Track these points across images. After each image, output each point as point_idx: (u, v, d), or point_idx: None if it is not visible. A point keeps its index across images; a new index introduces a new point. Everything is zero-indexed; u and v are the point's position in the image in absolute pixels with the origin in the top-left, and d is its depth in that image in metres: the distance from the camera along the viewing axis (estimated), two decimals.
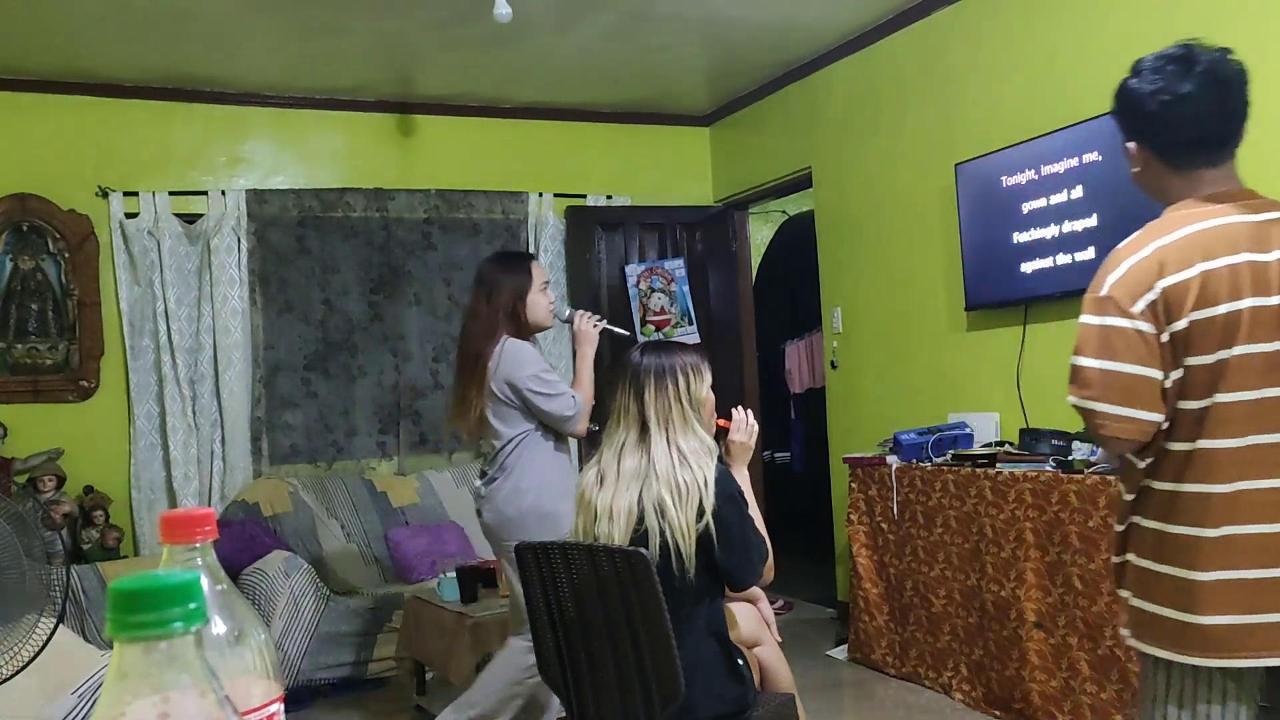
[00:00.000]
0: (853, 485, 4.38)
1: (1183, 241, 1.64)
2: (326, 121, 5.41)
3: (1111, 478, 3.19)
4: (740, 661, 2.38)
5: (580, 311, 3.33)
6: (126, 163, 5.01)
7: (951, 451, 4.00)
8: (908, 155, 4.67)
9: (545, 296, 3.25)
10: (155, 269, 4.98)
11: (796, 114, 5.43)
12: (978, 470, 3.73)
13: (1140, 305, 1.62)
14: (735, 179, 6.00)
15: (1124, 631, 1.73)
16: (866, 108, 4.92)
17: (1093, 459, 3.44)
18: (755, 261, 6.70)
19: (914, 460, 4.11)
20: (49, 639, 2.34)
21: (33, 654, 2.30)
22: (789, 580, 5.70)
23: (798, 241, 6.12)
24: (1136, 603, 1.69)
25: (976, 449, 3.96)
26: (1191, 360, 1.61)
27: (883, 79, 4.79)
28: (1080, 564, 3.27)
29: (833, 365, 5.26)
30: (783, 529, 6.35)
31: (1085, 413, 1.68)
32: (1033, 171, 3.93)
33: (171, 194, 5.05)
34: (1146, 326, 1.62)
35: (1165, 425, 1.64)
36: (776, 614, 3.22)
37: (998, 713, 3.63)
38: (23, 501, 2.51)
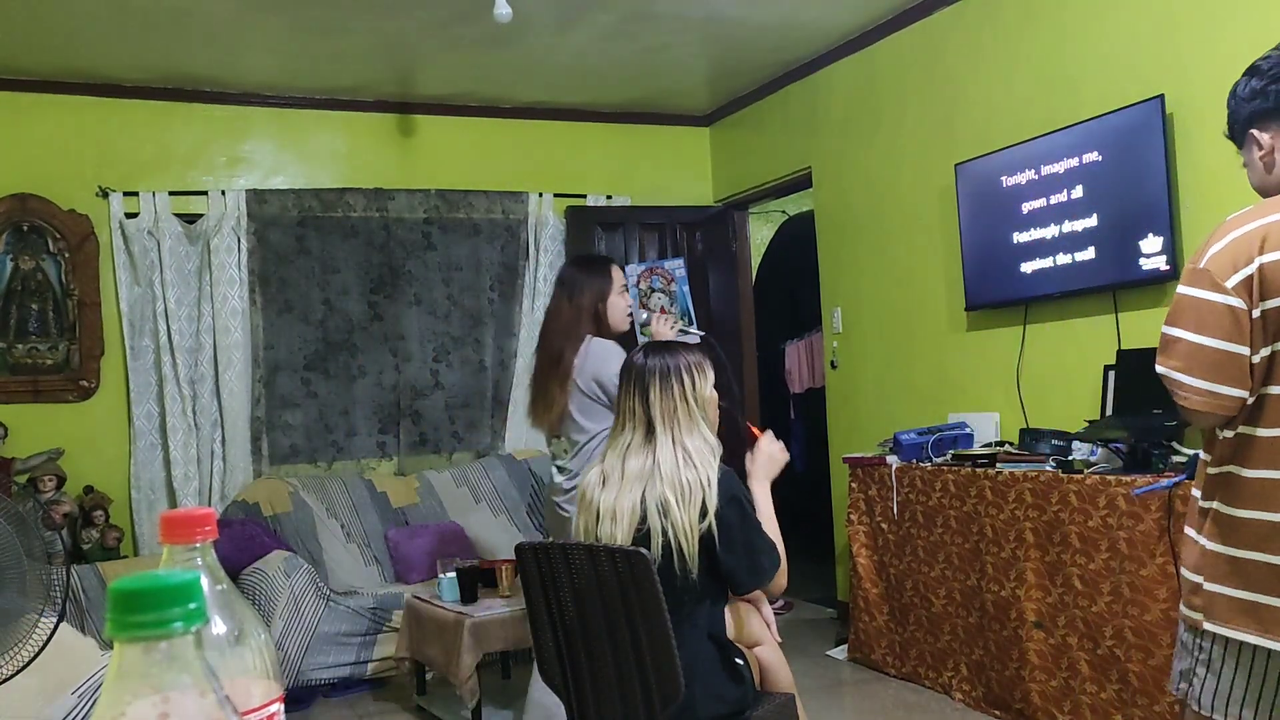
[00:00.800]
0: (853, 485, 4.38)
1: None
2: (326, 121, 5.41)
3: (1111, 478, 3.19)
4: (740, 662, 2.38)
5: (656, 315, 3.39)
6: (126, 163, 5.01)
7: (951, 451, 4.00)
8: (908, 155, 4.67)
9: (624, 299, 3.32)
10: (155, 269, 4.98)
11: (796, 114, 5.43)
12: (978, 470, 3.73)
13: (1235, 280, 1.60)
14: (735, 179, 6.00)
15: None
16: (866, 108, 4.92)
17: (1093, 459, 3.44)
18: (755, 261, 6.70)
19: (914, 460, 4.11)
20: (49, 639, 2.34)
21: (33, 654, 2.30)
22: (789, 580, 5.70)
23: (798, 241, 6.12)
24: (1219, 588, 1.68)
25: (976, 449, 3.96)
26: None
27: (883, 79, 4.79)
28: (1080, 564, 3.27)
29: (833, 365, 5.26)
30: (783, 529, 6.36)
31: (1170, 382, 1.68)
32: (1033, 171, 3.93)
33: (171, 194, 5.05)
34: (1238, 302, 1.60)
35: (1251, 401, 1.62)
36: (776, 614, 3.22)
37: (998, 713, 3.63)
38: (23, 501, 2.51)
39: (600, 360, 3.16)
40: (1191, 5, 3.44)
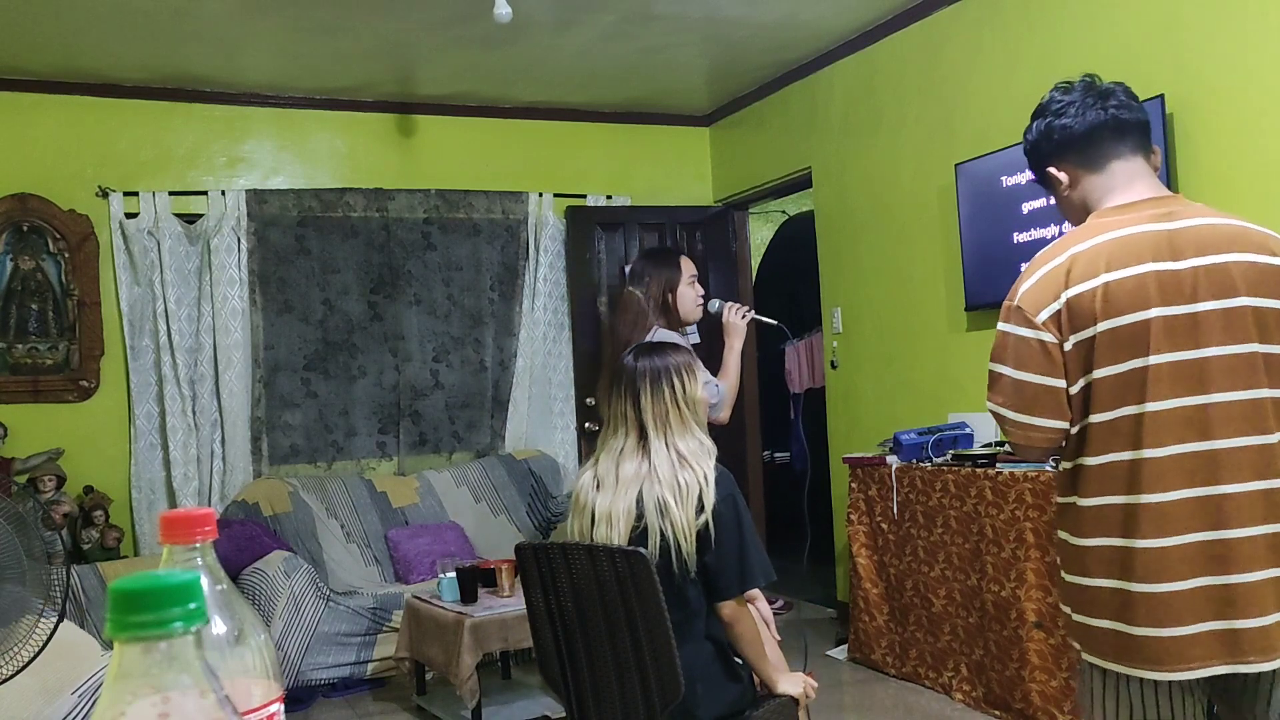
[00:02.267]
0: (853, 485, 4.38)
1: (1091, 251, 1.65)
2: (326, 121, 5.41)
3: None
4: (739, 661, 2.38)
5: (728, 304, 3.41)
6: (126, 163, 5.01)
7: (951, 451, 4.00)
8: (908, 155, 4.67)
9: (694, 290, 3.38)
10: (155, 269, 4.98)
11: (796, 114, 5.42)
12: (978, 470, 3.73)
13: (1044, 315, 1.65)
14: (735, 179, 6.00)
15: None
16: (866, 108, 4.92)
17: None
18: (755, 261, 6.70)
19: (914, 460, 4.11)
20: (49, 639, 2.34)
21: (33, 654, 2.30)
22: (789, 580, 5.70)
23: (798, 241, 6.12)
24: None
25: (976, 449, 3.97)
26: (1099, 371, 1.62)
27: (883, 79, 4.79)
28: None
29: (833, 365, 5.26)
30: (783, 529, 6.37)
31: (997, 418, 1.74)
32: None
33: (171, 194, 5.05)
34: (1049, 337, 1.65)
35: (1076, 432, 1.66)
36: (776, 614, 3.22)
37: (998, 713, 3.63)
38: (23, 501, 2.51)
39: None
40: (1192, 5, 3.44)
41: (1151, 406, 1.59)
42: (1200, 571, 1.56)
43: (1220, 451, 1.57)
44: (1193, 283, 1.60)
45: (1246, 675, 1.59)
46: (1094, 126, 1.73)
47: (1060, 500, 1.74)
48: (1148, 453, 1.59)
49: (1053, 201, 3.98)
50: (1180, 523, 1.57)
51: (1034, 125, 1.82)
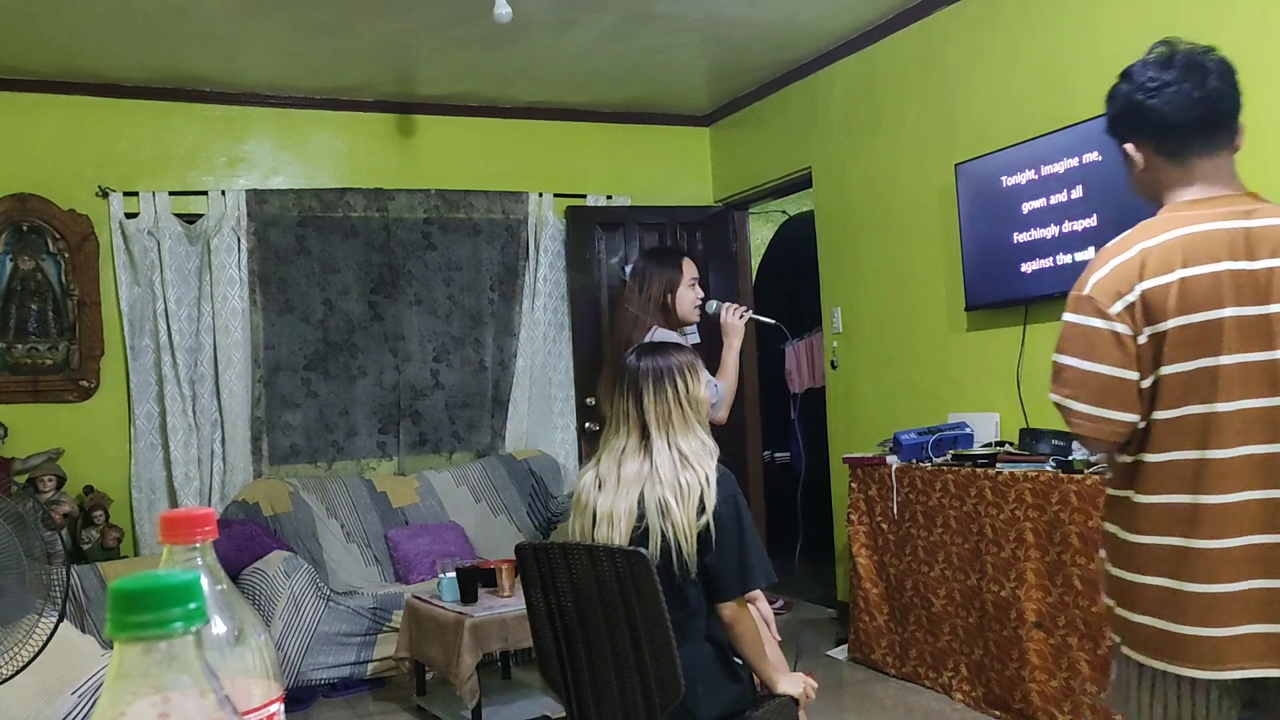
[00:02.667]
0: (853, 485, 4.38)
1: (1167, 245, 1.62)
2: (326, 121, 5.41)
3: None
4: (738, 661, 2.38)
5: (726, 304, 3.42)
6: (126, 163, 5.01)
7: (951, 451, 4.00)
8: (908, 155, 4.67)
9: (693, 291, 3.39)
10: (155, 269, 4.98)
11: (796, 114, 5.42)
12: (978, 470, 3.73)
13: (1118, 307, 1.62)
14: (735, 179, 6.00)
15: None
16: (866, 108, 4.92)
17: (1093, 459, 3.44)
18: (755, 261, 6.70)
19: (914, 460, 4.11)
20: (49, 639, 2.34)
21: (33, 654, 2.30)
22: (789, 580, 5.70)
23: (798, 241, 6.12)
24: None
25: (976, 449, 3.97)
26: (1168, 368, 1.60)
27: (883, 79, 4.79)
28: (1080, 564, 3.27)
29: (833, 365, 5.26)
30: (783, 529, 6.37)
31: (1062, 410, 1.70)
32: (1033, 171, 3.93)
33: (171, 194, 5.05)
34: (1123, 328, 1.62)
35: (1142, 427, 1.64)
36: (776, 614, 3.22)
37: (998, 713, 3.63)
38: (23, 501, 2.51)
39: None
40: (1192, 5, 3.44)
41: (1221, 407, 1.57)
42: (1256, 574, 1.55)
43: None
44: (1267, 283, 1.58)
45: None
46: (1185, 119, 1.66)
47: (1113, 493, 1.71)
48: (1214, 453, 1.57)
49: (1053, 200, 3.99)
50: (1242, 524, 1.56)
51: (1120, 92, 1.73)
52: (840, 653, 4.50)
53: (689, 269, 3.42)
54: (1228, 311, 1.57)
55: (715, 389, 3.25)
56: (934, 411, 4.48)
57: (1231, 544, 1.56)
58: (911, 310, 4.68)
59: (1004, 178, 4.06)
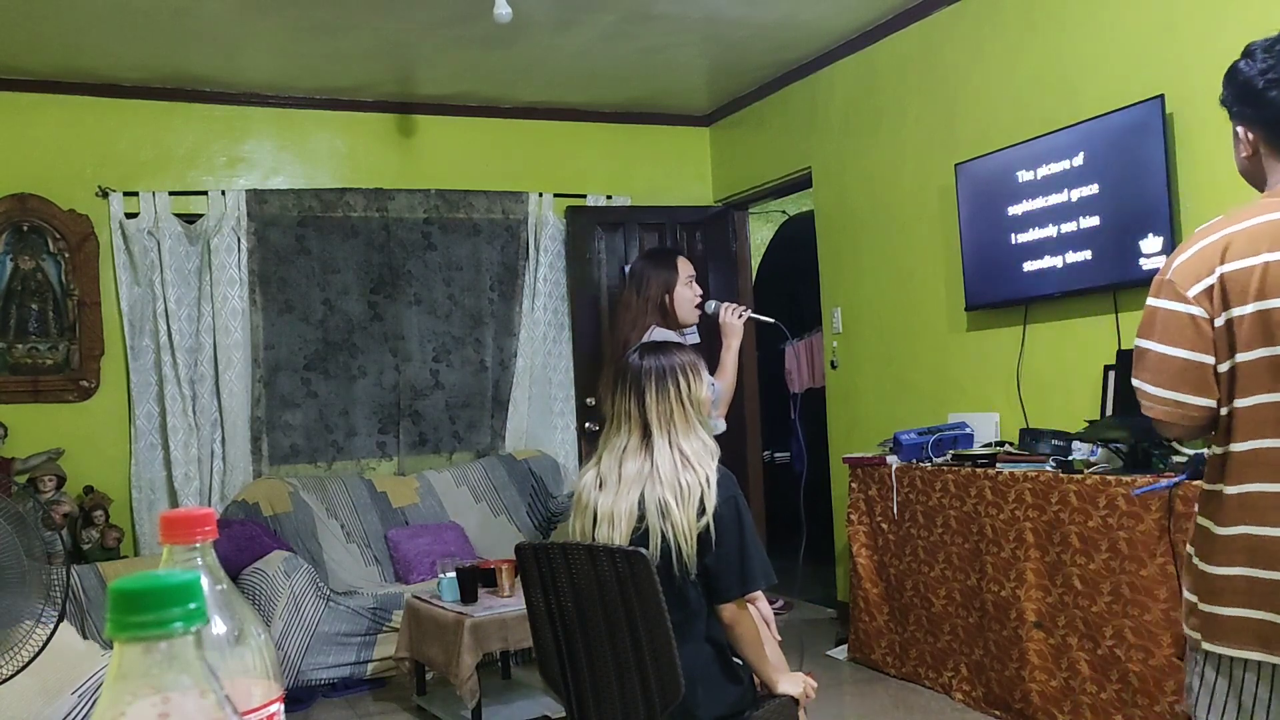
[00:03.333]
0: (853, 485, 4.38)
1: (1253, 230, 1.60)
2: (326, 121, 5.41)
3: (1111, 478, 3.19)
4: (738, 662, 2.38)
5: (725, 304, 3.39)
6: (126, 163, 5.01)
7: (951, 451, 4.00)
8: (908, 155, 4.67)
9: (691, 290, 3.36)
10: (155, 269, 4.98)
11: (796, 114, 5.43)
12: (978, 470, 3.73)
13: (1197, 289, 1.60)
14: (735, 179, 6.00)
15: None
16: (866, 108, 4.92)
17: (1093, 459, 3.44)
18: (755, 261, 6.70)
19: (914, 460, 4.11)
20: (49, 639, 2.34)
21: (33, 654, 2.30)
22: (789, 580, 5.70)
23: (798, 241, 6.12)
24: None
25: (976, 449, 3.97)
26: (1244, 355, 1.57)
27: (883, 79, 4.79)
28: (1080, 564, 3.27)
29: (833, 365, 5.26)
30: (783, 529, 6.36)
31: (1138, 393, 1.68)
32: (1032, 171, 3.93)
33: (171, 194, 5.05)
34: (1200, 311, 1.60)
35: (1225, 414, 1.61)
36: (776, 614, 3.22)
37: (998, 713, 3.63)
38: (23, 501, 2.51)
39: None
40: (1191, 5, 3.44)
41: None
42: None
43: None
44: None
45: None
46: None
47: (1206, 488, 1.68)
48: None
49: (1053, 200, 3.99)
50: None
51: (1240, 72, 1.67)
52: (840, 653, 4.51)
53: (684, 267, 3.40)
54: None
55: (713, 389, 3.24)
56: (934, 411, 4.48)
57: None
58: (911, 310, 4.68)
59: (1004, 178, 4.06)
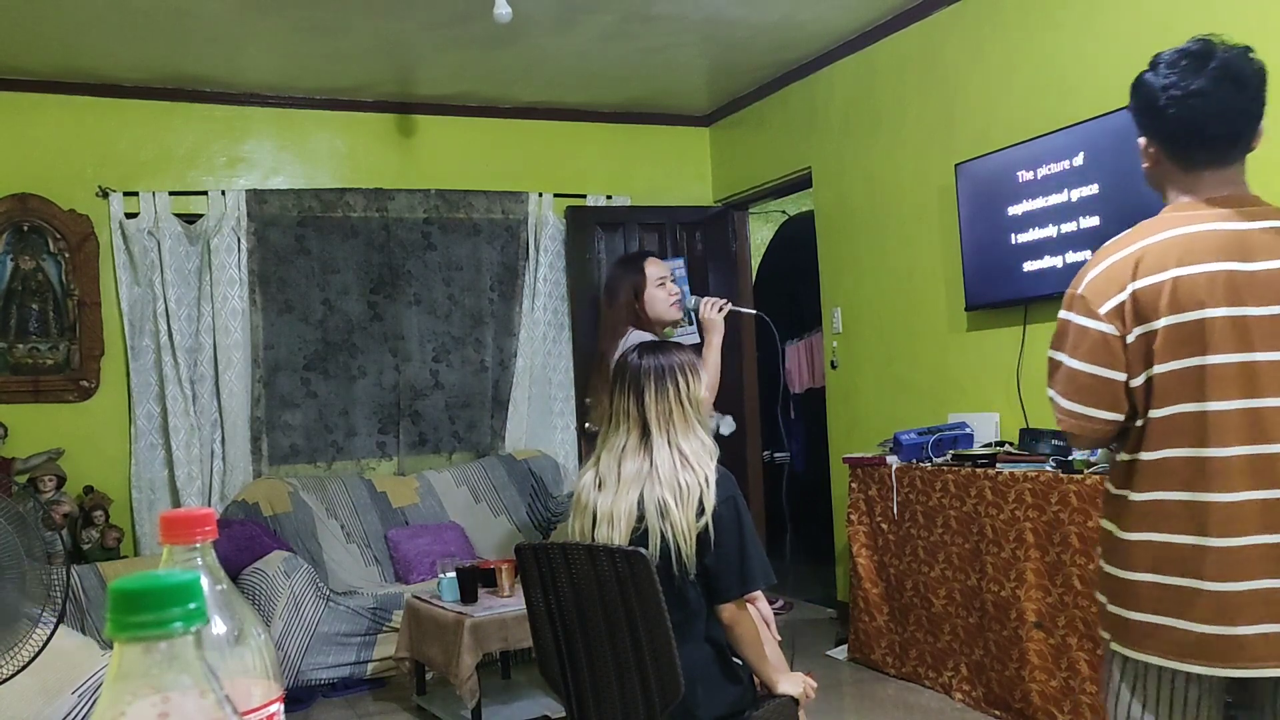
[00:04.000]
0: (853, 485, 4.38)
1: (1163, 245, 1.63)
2: (326, 121, 5.41)
3: None
4: (738, 662, 2.38)
5: (705, 300, 3.33)
6: (126, 163, 5.01)
7: (951, 451, 4.00)
8: (908, 155, 4.67)
9: (664, 290, 3.32)
10: (155, 269, 4.98)
11: (796, 114, 5.43)
12: (978, 470, 3.73)
13: (1108, 307, 1.63)
14: (735, 179, 6.00)
15: None
16: (866, 108, 4.92)
17: (1093, 459, 3.44)
18: (755, 261, 6.70)
19: (914, 460, 4.11)
20: (49, 639, 2.34)
21: (33, 654, 2.30)
22: (789, 580, 5.70)
23: (798, 241, 6.12)
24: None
25: (976, 449, 3.97)
26: (1160, 367, 1.60)
27: (883, 79, 4.79)
28: (1080, 564, 3.27)
29: (833, 365, 5.26)
30: (783, 529, 6.36)
31: (1050, 402, 1.74)
32: (1032, 171, 3.93)
33: (171, 194, 5.05)
34: (1111, 329, 1.63)
35: (1139, 425, 1.64)
36: (776, 614, 3.22)
37: (998, 713, 3.63)
38: (23, 501, 2.51)
39: None
40: (1191, 5, 3.44)
41: (1214, 406, 1.57)
42: (1265, 573, 1.55)
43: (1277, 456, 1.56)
44: (1265, 284, 1.58)
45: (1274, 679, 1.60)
46: (1202, 133, 1.64)
47: (1112, 491, 1.72)
48: (1213, 451, 1.57)
49: (1053, 200, 3.99)
50: (1247, 524, 1.56)
51: (1143, 86, 1.70)
52: (840, 653, 4.51)
53: (654, 269, 3.34)
54: (1220, 311, 1.58)
55: None
56: (934, 411, 4.48)
57: (1239, 543, 1.56)
58: (911, 310, 4.68)
59: (1004, 178, 4.06)
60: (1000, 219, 4.08)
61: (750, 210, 6.27)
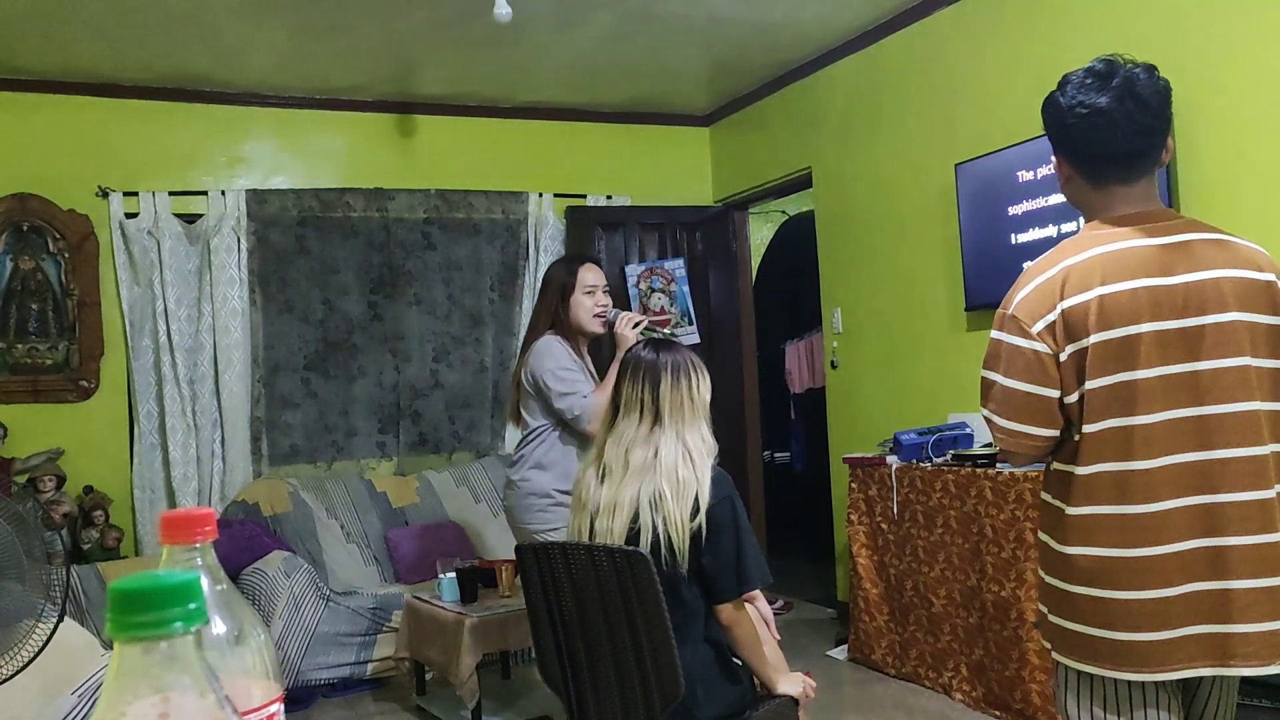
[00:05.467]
0: (853, 485, 4.38)
1: (1086, 264, 1.66)
2: (326, 121, 5.41)
3: None
4: (737, 662, 2.38)
5: (623, 314, 3.25)
6: (126, 163, 5.01)
7: (951, 451, 4.00)
8: (908, 155, 4.67)
9: (591, 300, 3.24)
10: (155, 269, 4.98)
11: (796, 114, 5.43)
12: (978, 470, 3.73)
13: (1040, 326, 1.67)
14: (735, 179, 6.00)
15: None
16: (866, 108, 4.92)
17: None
18: (755, 261, 6.70)
19: (914, 460, 4.11)
20: (49, 639, 2.34)
21: (33, 654, 2.30)
22: (789, 580, 5.70)
23: (798, 241, 6.12)
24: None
25: (976, 449, 3.97)
26: (1091, 383, 1.64)
27: (883, 79, 4.79)
28: None
29: (833, 365, 5.26)
30: (783, 529, 6.37)
31: (986, 422, 1.76)
32: (1032, 172, 3.94)
33: (171, 194, 5.05)
34: (1043, 347, 1.66)
35: (1075, 440, 1.67)
36: (776, 614, 3.21)
37: (997, 713, 3.63)
38: (23, 501, 2.51)
39: (538, 357, 3.17)
40: (1191, 5, 3.44)
41: (1141, 419, 1.61)
42: (1193, 578, 1.59)
43: (1214, 462, 1.59)
44: (1184, 297, 1.62)
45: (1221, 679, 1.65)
46: (1108, 152, 1.69)
47: (1048, 501, 1.75)
48: (1137, 464, 1.61)
49: (1052, 200, 3.98)
50: (1172, 532, 1.59)
51: (1052, 106, 1.74)
52: (840, 653, 4.50)
53: (587, 276, 3.25)
54: (1146, 326, 1.62)
55: (582, 400, 3.09)
56: (934, 411, 4.48)
57: (1163, 551, 1.59)
58: (911, 310, 4.68)
59: (1004, 178, 4.06)
60: (1000, 219, 4.08)
61: (750, 210, 6.27)
